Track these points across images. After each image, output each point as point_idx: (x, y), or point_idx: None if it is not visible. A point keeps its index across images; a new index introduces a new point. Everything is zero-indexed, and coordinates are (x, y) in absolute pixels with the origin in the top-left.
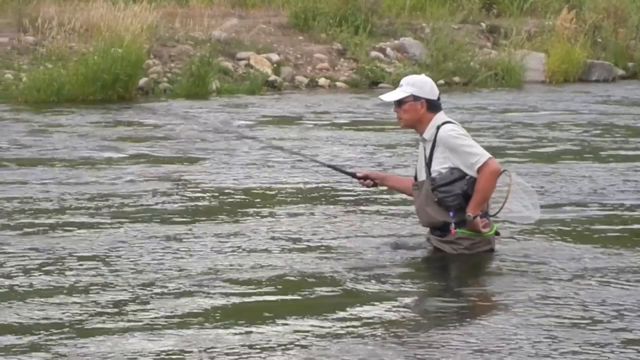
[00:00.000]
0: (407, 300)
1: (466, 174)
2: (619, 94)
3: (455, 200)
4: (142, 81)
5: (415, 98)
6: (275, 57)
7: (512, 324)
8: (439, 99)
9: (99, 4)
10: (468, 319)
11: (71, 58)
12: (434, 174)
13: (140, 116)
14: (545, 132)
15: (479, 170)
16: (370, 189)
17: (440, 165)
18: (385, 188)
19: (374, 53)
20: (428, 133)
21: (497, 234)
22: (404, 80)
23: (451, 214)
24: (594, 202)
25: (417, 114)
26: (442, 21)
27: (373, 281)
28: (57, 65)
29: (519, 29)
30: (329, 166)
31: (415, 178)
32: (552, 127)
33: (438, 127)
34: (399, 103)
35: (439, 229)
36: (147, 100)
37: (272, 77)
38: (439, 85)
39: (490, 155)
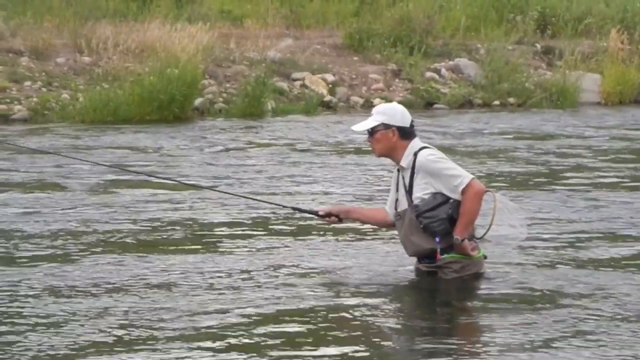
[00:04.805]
0: (396, 326)
1: (450, 198)
2: None
3: (441, 225)
4: (198, 101)
5: (386, 126)
6: (330, 77)
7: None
8: (412, 125)
9: (154, 25)
10: (455, 344)
11: (127, 78)
12: (416, 201)
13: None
14: (590, 159)
15: (463, 192)
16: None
17: (422, 192)
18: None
19: (428, 74)
20: (405, 161)
21: (484, 257)
22: (374, 109)
23: (437, 239)
24: (613, 232)
25: (389, 142)
26: (497, 42)
27: (360, 306)
28: (113, 86)
29: (573, 50)
30: (290, 207)
31: (396, 208)
32: (599, 153)
33: (415, 154)
34: (371, 133)
35: (427, 257)
36: (203, 120)
37: (328, 98)
38: (493, 106)
39: (473, 176)
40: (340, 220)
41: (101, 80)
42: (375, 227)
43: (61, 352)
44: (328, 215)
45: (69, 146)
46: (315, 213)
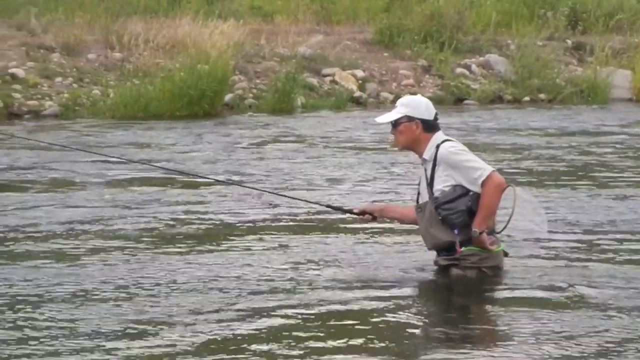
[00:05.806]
0: (410, 325)
1: (469, 190)
2: None
3: (459, 217)
4: (228, 97)
5: (410, 119)
6: (360, 73)
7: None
8: (436, 118)
9: (185, 21)
10: (467, 348)
11: (157, 74)
12: (436, 193)
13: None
14: (618, 155)
15: (482, 185)
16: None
17: (442, 184)
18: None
19: (459, 69)
20: (428, 153)
21: (505, 254)
22: (398, 102)
23: (456, 231)
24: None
25: (412, 134)
26: (527, 38)
27: (377, 306)
28: (144, 82)
29: (604, 46)
30: (325, 205)
31: (417, 201)
32: (627, 150)
33: (437, 146)
34: (394, 125)
35: (446, 250)
36: (233, 115)
37: (357, 94)
38: (524, 102)
39: (493, 169)
40: (374, 219)
41: (132, 76)
42: (406, 225)
43: (75, 355)
44: (362, 213)
45: (97, 143)
46: (350, 211)
